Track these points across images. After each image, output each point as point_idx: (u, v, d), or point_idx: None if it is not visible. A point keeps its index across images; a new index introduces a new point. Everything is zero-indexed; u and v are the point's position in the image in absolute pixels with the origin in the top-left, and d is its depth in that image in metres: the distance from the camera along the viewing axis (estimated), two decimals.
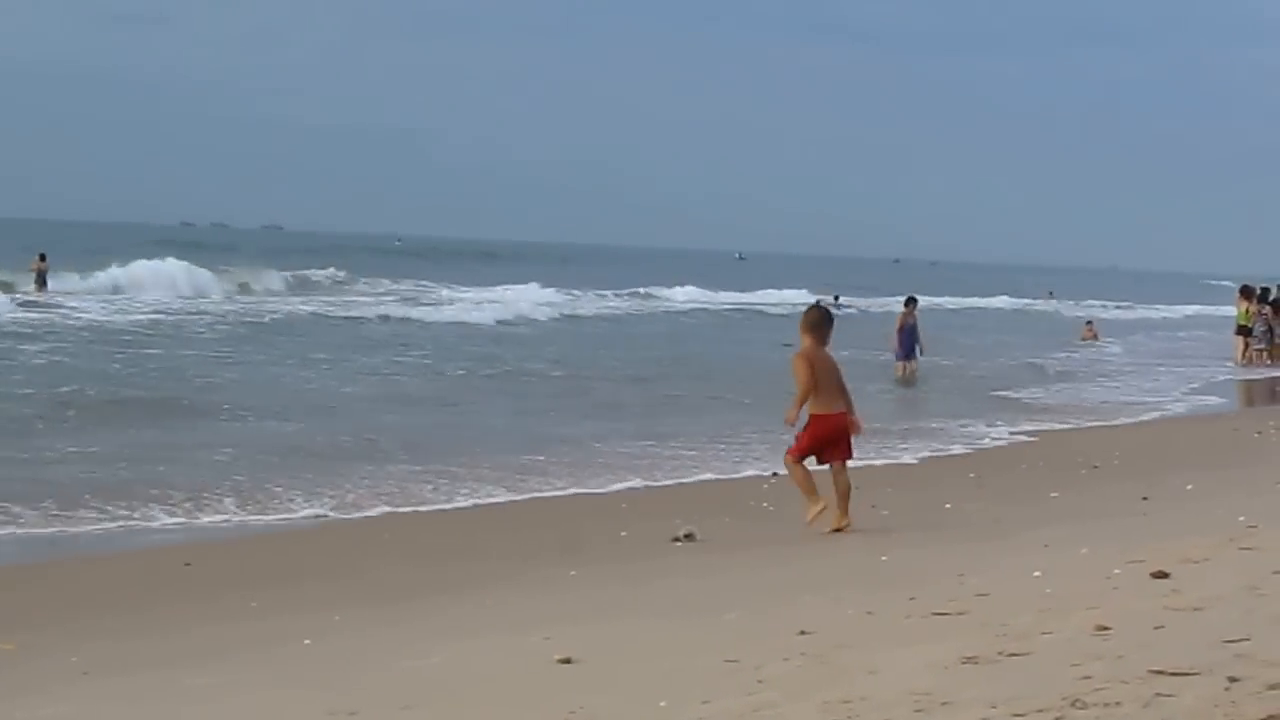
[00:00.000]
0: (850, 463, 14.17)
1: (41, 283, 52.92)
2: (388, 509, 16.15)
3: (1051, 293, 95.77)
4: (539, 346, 39.49)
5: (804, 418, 14.02)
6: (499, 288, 68.15)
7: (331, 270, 77.79)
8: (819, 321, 14.20)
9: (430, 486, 17.42)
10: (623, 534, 14.51)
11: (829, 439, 13.98)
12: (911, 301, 34.75)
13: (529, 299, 59.67)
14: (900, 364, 33.85)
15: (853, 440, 14.18)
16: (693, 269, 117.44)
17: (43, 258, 54.14)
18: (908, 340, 33.80)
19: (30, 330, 35.85)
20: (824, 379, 13.98)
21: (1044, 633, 7.77)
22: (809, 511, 13.76)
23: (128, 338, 35.80)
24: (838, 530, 13.79)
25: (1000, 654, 7.26)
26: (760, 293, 79.64)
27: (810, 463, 14.07)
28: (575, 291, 69.49)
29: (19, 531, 14.48)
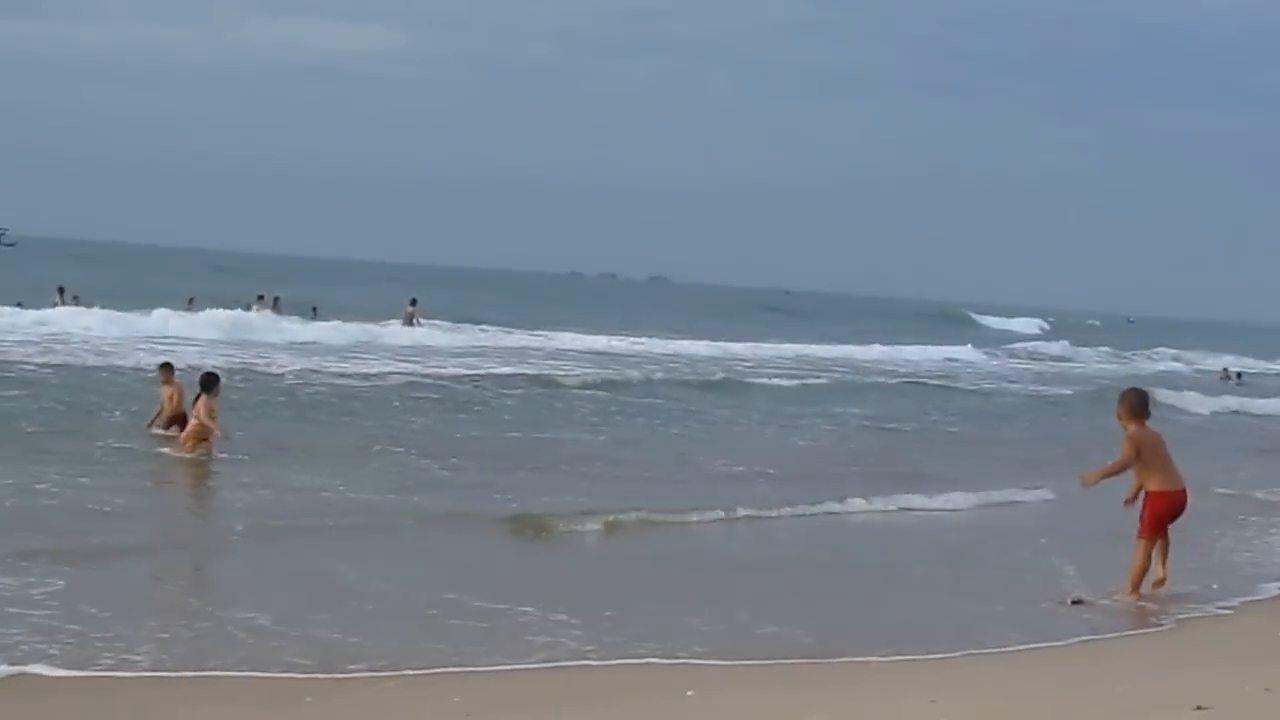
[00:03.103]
0: None
1: None
2: None
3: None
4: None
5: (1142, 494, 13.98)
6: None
7: None
8: (1140, 404, 14.10)
9: None
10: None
11: (1172, 514, 13.93)
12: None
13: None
14: None
15: None
16: None
17: None
18: None
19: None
20: (1154, 456, 13.86)
21: None
22: (1124, 591, 13.79)
23: None
24: (1160, 583, 13.84)
25: None
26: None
27: None
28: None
29: None
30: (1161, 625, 12.77)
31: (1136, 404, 14.14)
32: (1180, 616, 13.09)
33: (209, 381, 20.73)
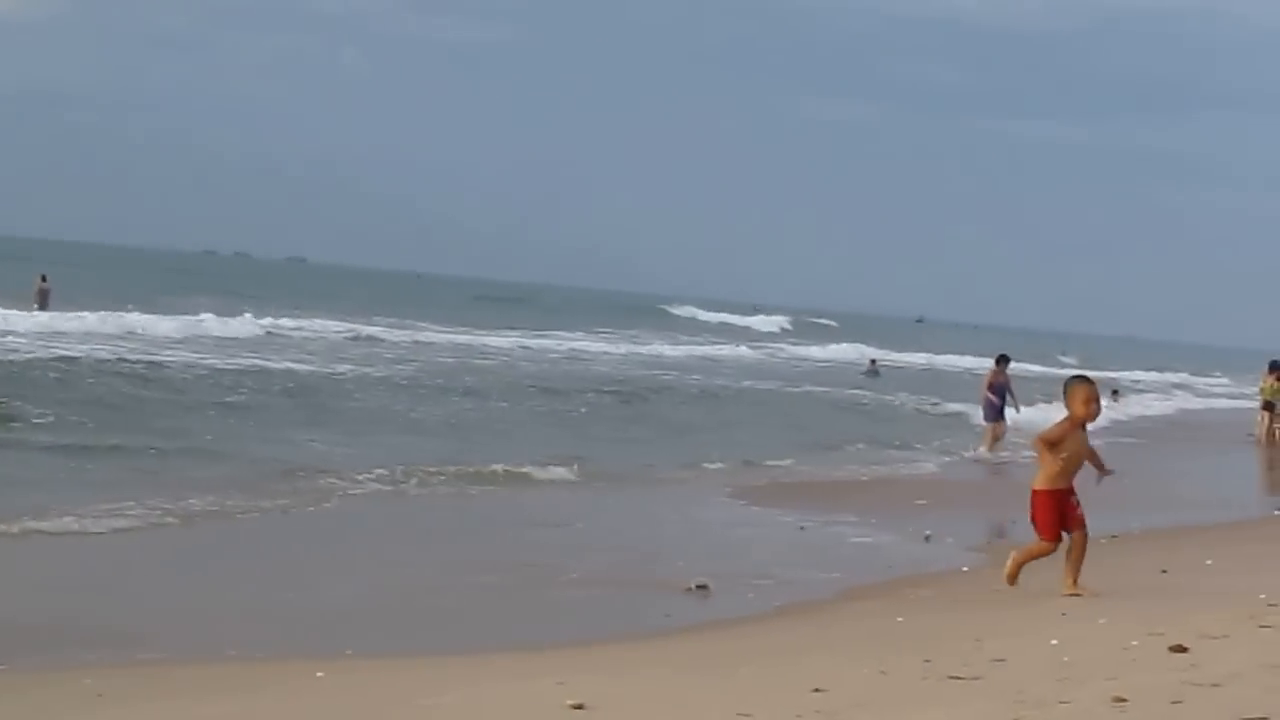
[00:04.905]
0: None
1: None
2: None
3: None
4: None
5: None
6: None
7: None
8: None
9: None
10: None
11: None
12: (1003, 360, 33.43)
13: None
14: (989, 426, 32.30)
15: None
16: None
17: None
18: (997, 400, 32.12)
19: None
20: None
21: (1061, 701, 7.72)
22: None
23: None
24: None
25: None
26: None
27: None
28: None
29: None
30: (783, 611, 13.16)
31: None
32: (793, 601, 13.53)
33: None
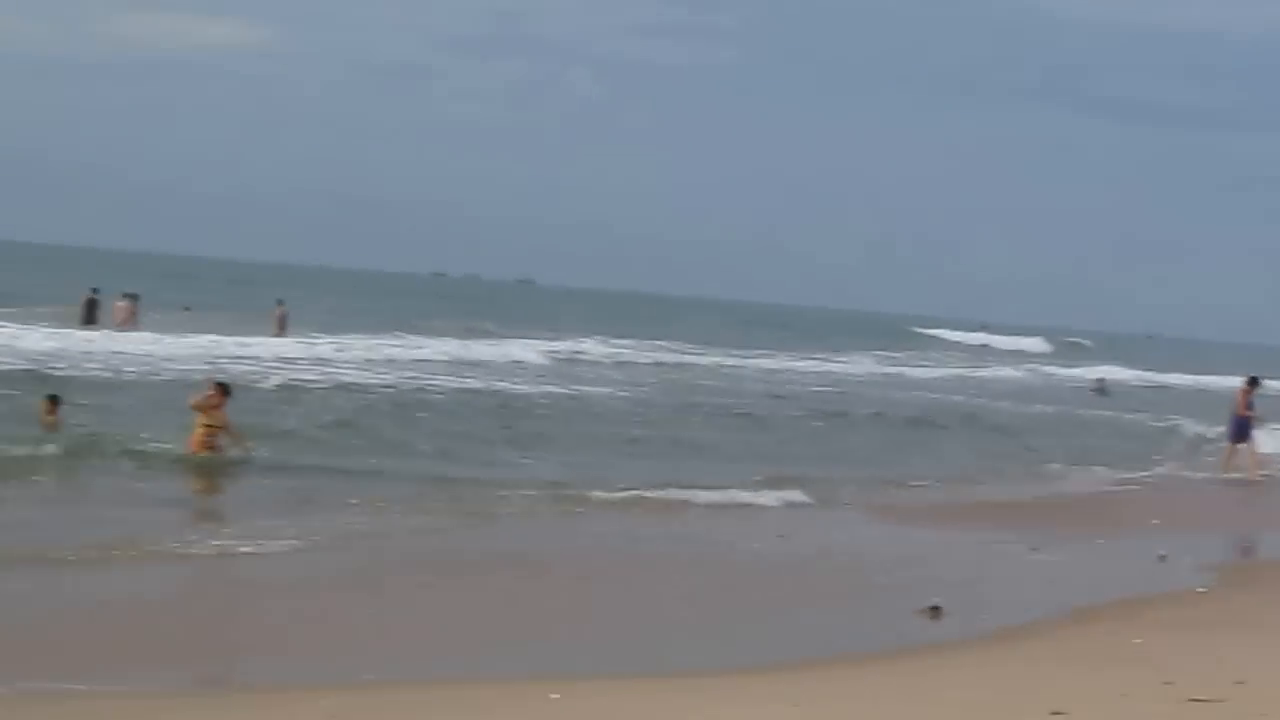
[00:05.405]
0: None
1: None
2: None
3: None
4: None
5: None
6: None
7: None
8: None
9: None
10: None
11: None
12: (1254, 381, 32.56)
13: None
14: (1231, 446, 30.86)
15: None
16: None
17: None
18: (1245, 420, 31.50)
19: None
20: None
21: None
22: None
23: None
24: None
25: None
26: None
27: None
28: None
29: None
30: (1017, 633, 13.04)
31: None
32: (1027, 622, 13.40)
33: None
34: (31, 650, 10.83)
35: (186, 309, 56.90)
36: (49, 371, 30.06)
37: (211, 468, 20.20)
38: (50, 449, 19.76)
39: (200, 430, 20.57)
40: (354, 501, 18.28)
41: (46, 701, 9.35)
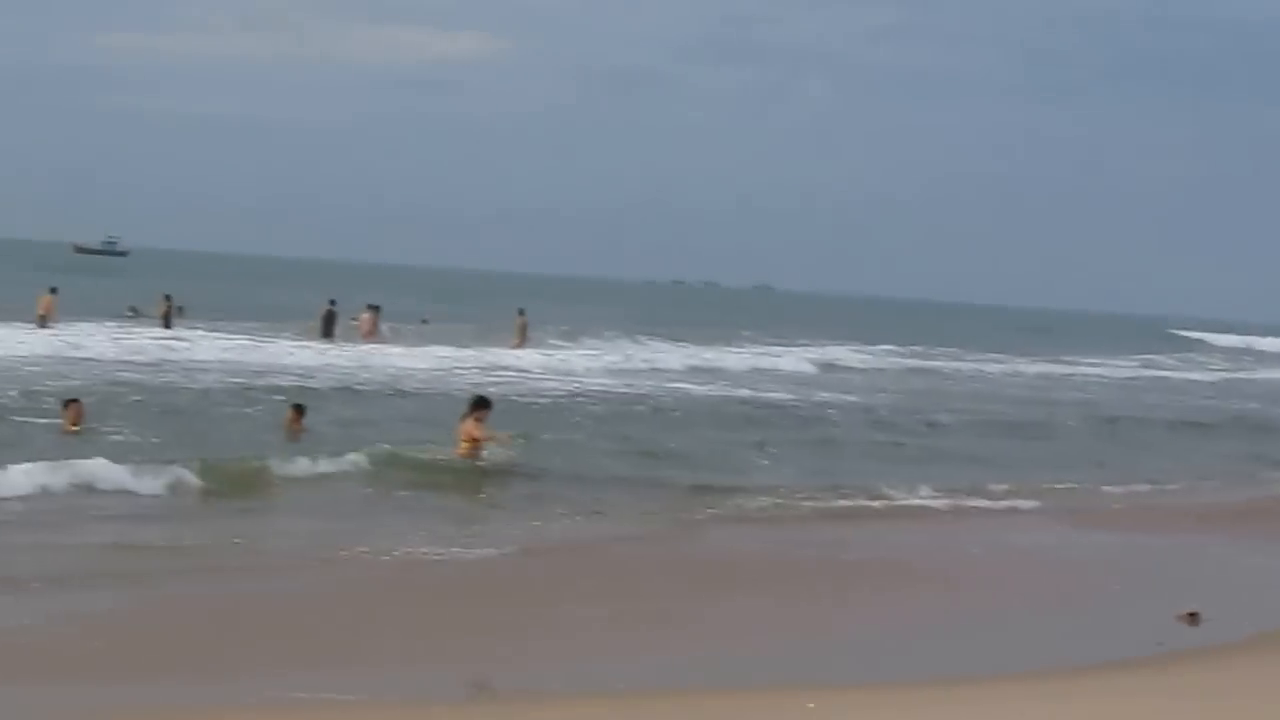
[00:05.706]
0: None
1: None
2: None
3: None
4: None
5: None
6: None
7: None
8: None
9: None
10: None
11: None
12: None
13: None
14: None
15: None
16: None
17: None
18: None
19: None
20: None
21: None
22: None
23: None
24: None
25: None
26: None
27: None
28: None
29: None
30: (1272, 637, 12.68)
31: None
32: None
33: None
34: (293, 652, 11.14)
35: (424, 321, 58.10)
36: (295, 382, 30.82)
37: (481, 475, 20.37)
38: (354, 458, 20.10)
39: (465, 444, 20.76)
40: (643, 509, 18.73)
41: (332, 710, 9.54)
